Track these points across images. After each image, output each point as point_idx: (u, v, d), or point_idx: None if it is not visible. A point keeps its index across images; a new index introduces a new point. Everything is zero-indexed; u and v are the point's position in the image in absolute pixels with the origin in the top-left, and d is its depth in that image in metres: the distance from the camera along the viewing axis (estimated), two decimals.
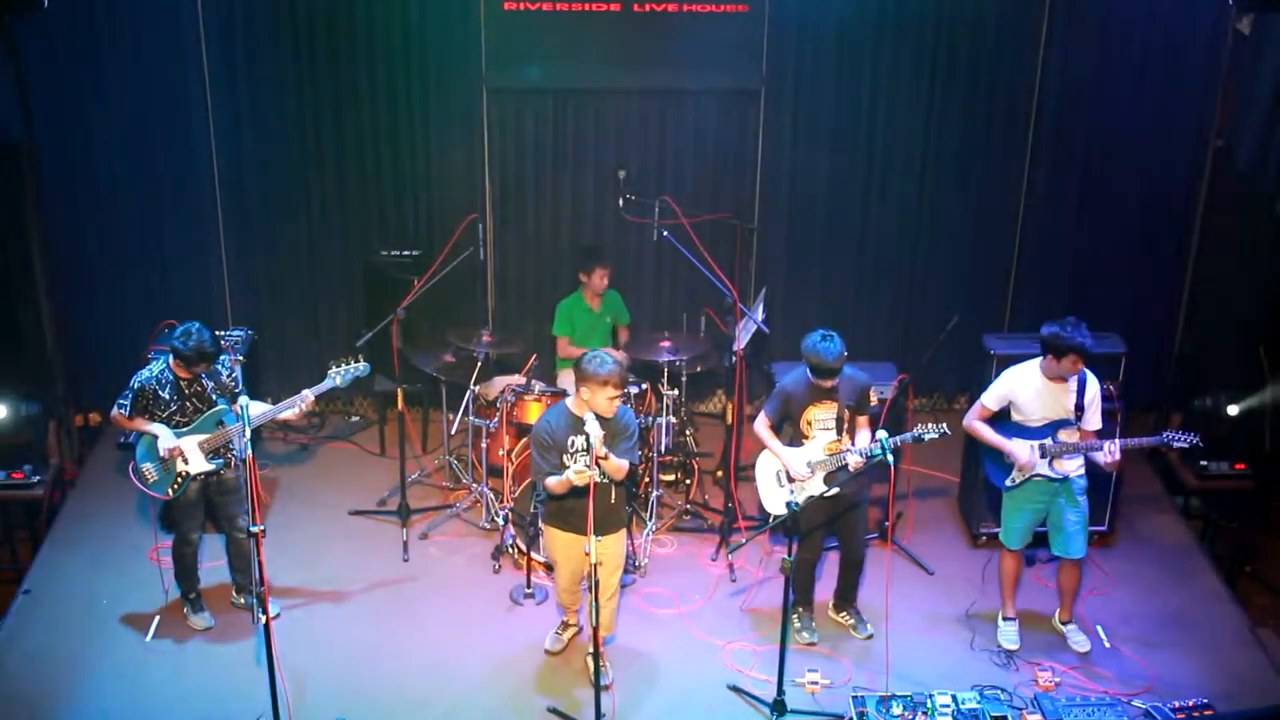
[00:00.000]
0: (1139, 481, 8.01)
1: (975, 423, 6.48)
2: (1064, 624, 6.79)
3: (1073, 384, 6.24)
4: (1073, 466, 6.38)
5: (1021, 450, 6.30)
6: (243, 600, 6.86)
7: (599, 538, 5.73)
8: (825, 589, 6.93)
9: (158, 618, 6.76)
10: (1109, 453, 6.15)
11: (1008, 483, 6.46)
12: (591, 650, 5.94)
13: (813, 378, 6.31)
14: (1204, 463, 7.74)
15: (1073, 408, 6.25)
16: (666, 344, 7.69)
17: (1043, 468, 6.33)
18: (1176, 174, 8.58)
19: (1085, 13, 8.25)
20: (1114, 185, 8.65)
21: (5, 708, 6.09)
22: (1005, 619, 6.77)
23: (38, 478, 7.53)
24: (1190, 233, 8.55)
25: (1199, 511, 8.07)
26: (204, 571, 6.84)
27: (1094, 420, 6.31)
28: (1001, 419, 6.46)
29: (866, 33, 8.32)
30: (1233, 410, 7.78)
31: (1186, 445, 6.15)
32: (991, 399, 6.41)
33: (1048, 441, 6.29)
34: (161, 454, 6.30)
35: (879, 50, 8.38)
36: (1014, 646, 6.64)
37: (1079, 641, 6.70)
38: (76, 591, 6.97)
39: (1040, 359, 6.26)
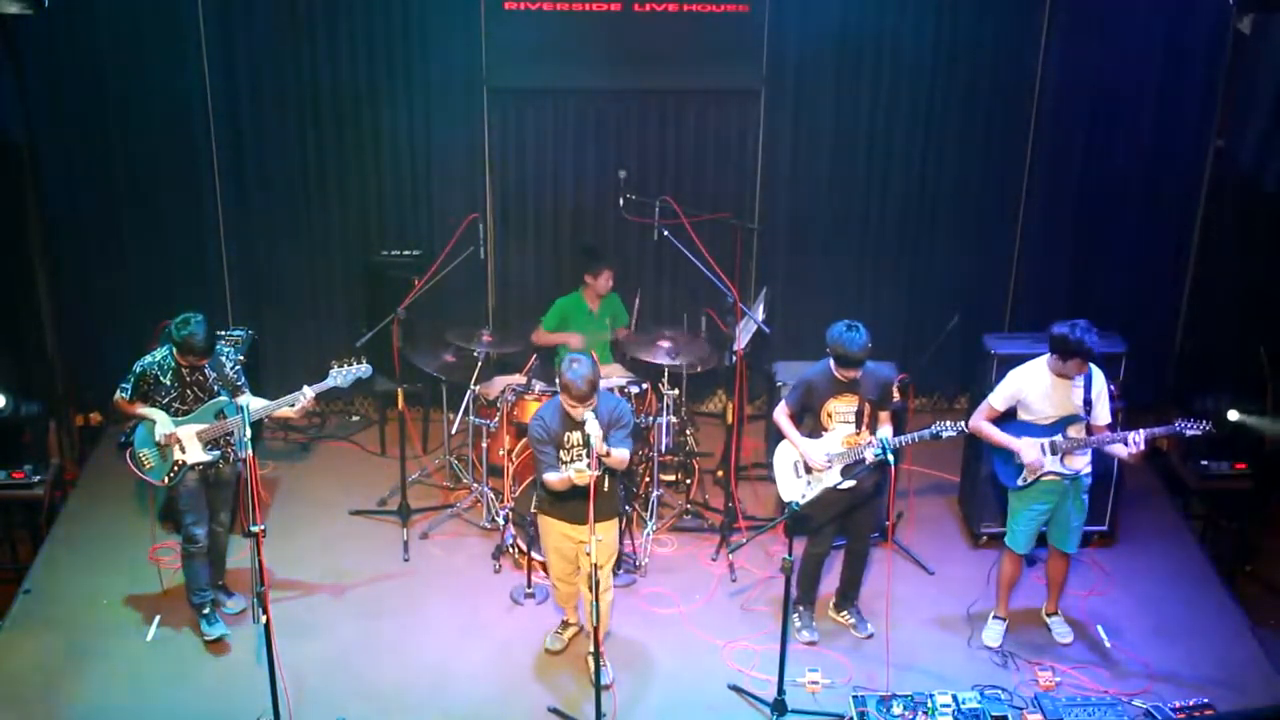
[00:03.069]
0: (1139, 481, 8.01)
1: (982, 423, 6.46)
2: (1049, 616, 6.84)
3: (1079, 379, 6.25)
4: (1082, 463, 6.38)
5: (1029, 451, 6.30)
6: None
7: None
8: (824, 587, 6.93)
9: (158, 617, 6.75)
10: (1133, 444, 6.15)
11: (1019, 482, 6.44)
12: (592, 650, 5.94)
13: (837, 368, 6.30)
14: (1204, 463, 7.75)
15: (1081, 403, 6.26)
16: (666, 344, 7.69)
17: (1055, 465, 6.32)
18: (1176, 174, 8.58)
19: (1085, 13, 8.25)
20: (1114, 185, 8.65)
21: (5, 708, 6.09)
22: (995, 618, 6.79)
23: (38, 478, 7.53)
24: (1190, 233, 8.55)
25: (1199, 511, 8.07)
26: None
27: (1103, 414, 6.31)
28: (1008, 419, 6.45)
29: (866, 32, 8.32)
30: (1233, 415, 7.78)
31: (1199, 433, 6.17)
32: (999, 399, 6.40)
33: (1058, 438, 6.29)
34: (158, 439, 6.29)
35: (879, 50, 8.38)
36: (994, 644, 6.67)
37: (1062, 633, 6.75)
38: (76, 591, 6.97)
39: (1047, 356, 6.26)
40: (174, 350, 6.23)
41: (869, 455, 6.32)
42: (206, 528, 6.55)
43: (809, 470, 6.50)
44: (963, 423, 6.29)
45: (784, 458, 6.63)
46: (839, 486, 6.42)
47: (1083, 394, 6.25)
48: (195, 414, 6.34)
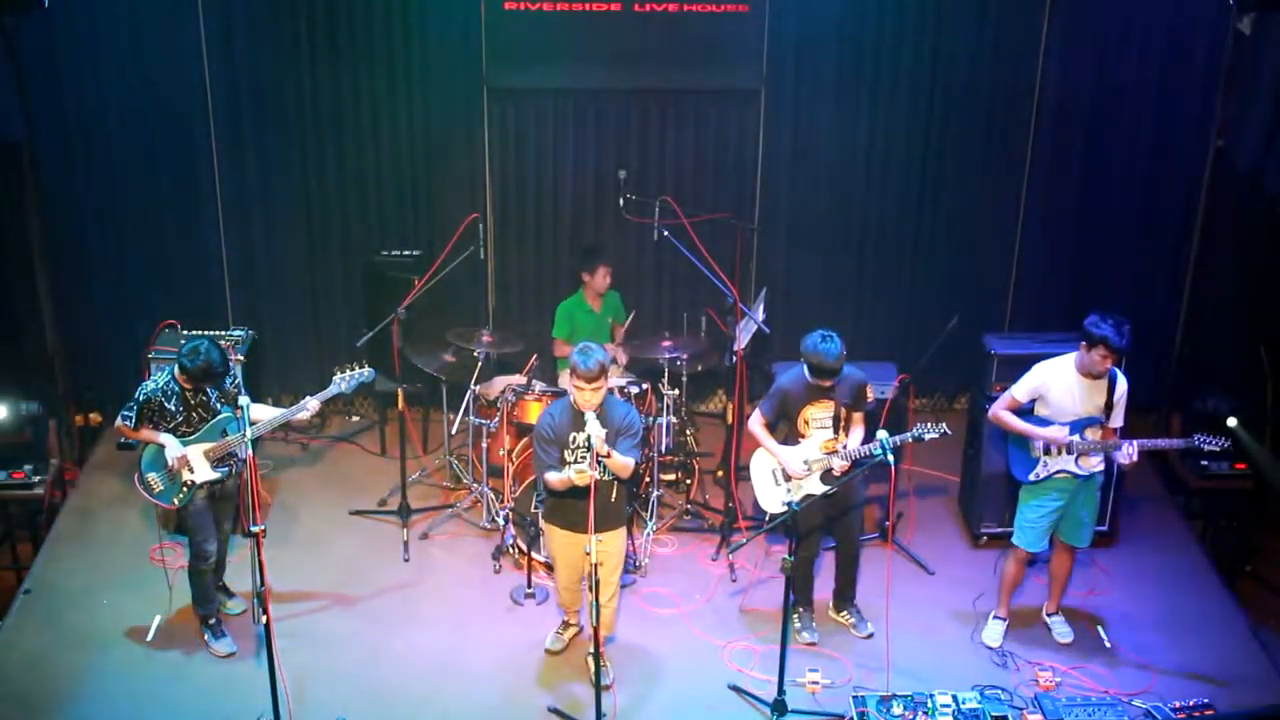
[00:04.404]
0: (1139, 481, 7.99)
1: (1002, 412, 6.44)
2: (1050, 615, 6.84)
3: (1104, 382, 6.25)
4: (1095, 463, 6.39)
5: (1059, 431, 6.27)
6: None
7: (599, 536, 5.73)
8: (824, 588, 6.93)
9: (158, 618, 6.75)
10: (1127, 454, 6.16)
11: (1031, 476, 6.42)
12: (592, 650, 5.94)
13: (812, 378, 6.32)
14: (1204, 463, 7.74)
15: (1102, 404, 6.26)
16: (666, 344, 7.69)
17: (1069, 464, 6.33)
18: (1177, 174, 8.58)
19: (1085, 13, 8.25)
20: (1114, 185, 8.65)
21: (5, 708, 6.09)
22: (996, 617, 6.79)
23: (38, 478, 7.53)
24: (1190, 233, 8.55)
25: (1199, 511, 8.07)
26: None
27: (1119, 418, 6.32)
28: (1025, 415, 6.44)
29: (867, 33, 8.32)
30: (1232, 422, 7.78)
31: (1217, 449, 6.16)
32: (1022, 391, 6.39)
33: (1076, 438, 6.29)
34: (169, 464, 6.25)
35: (879, 50, 8.38)
36: (995, 644, 6.67)
37: (1062, 633, 6.76)
38: (76, 591, 6.97)
39: (1076, 353, 6.26)
40: (178, 374, 6.20)
41: (835, 464, 6.35)
42: (216, 541, 6.54)
43: (788, 478, 6.51)
44: (944, 425, 6.27)
45: (761, 466, 6.63)
46: (824, 494, 6.43)
47: (1105, 396, 6.25)
48: (201, 433, 6.31)
